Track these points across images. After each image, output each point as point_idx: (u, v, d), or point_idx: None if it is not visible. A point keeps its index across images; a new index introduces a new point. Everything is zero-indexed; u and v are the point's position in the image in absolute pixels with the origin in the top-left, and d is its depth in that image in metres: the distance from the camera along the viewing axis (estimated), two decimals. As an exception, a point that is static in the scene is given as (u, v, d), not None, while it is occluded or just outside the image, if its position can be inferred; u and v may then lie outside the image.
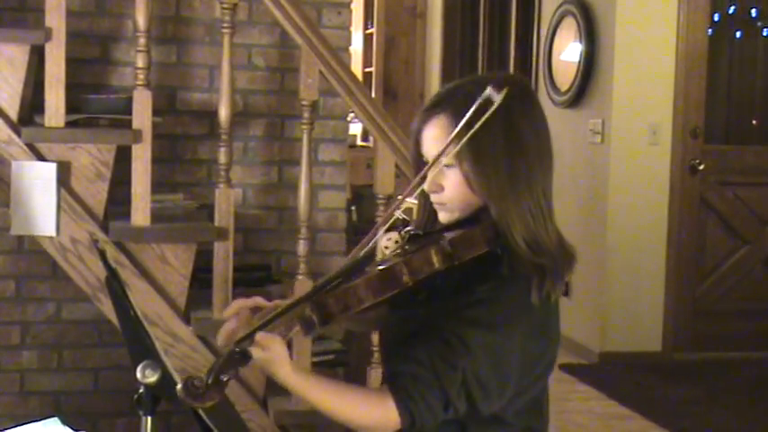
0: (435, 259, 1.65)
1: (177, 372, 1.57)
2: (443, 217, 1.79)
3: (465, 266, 1.68)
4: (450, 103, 1.74)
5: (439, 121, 1.74)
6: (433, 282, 1.72)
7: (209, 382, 1.50)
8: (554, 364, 1.83)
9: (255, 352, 1.57)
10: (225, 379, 1.53)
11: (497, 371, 1.68)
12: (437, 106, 1.76)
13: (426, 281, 1.68)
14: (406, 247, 1.73)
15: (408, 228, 1.79)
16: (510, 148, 1.70)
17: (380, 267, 1.66)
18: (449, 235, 1.71)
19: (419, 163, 1.81)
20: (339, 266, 1.70)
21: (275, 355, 1.60)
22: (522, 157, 1.71)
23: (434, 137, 1.75)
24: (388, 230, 1.79)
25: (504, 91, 1.66)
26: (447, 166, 1.73)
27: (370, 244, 1.74)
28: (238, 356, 1.56)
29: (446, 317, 1.70)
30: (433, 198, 1.78)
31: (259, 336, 1.58)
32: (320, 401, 1.66)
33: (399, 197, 1.80)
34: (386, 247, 1.75)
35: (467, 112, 1.67)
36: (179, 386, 1.50)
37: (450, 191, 1.74)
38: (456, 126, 1.68)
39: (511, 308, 1.69)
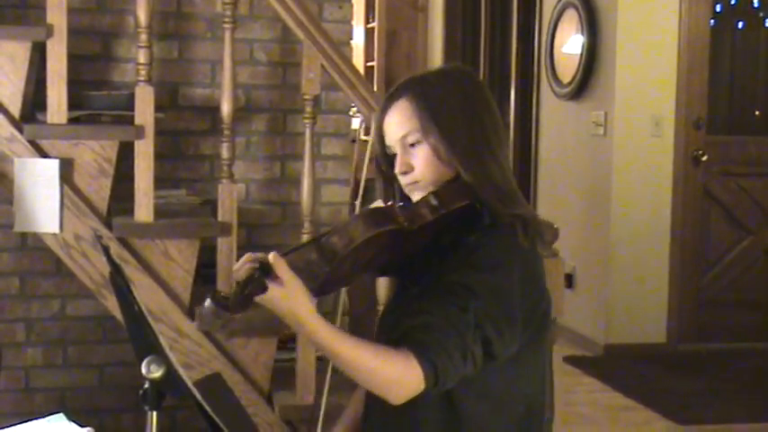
0: (425, 212, 1.73)
1: (182, 367, 1.57)
2: (418, 197, 1.83)
3: (452, 220, 1.77)
4: (405, 90, 1.85)
5: (398, 105, 1.84)
6: (429, 247, 1.80)
7: (236, 291, 1.55)
8: (550, 327, 1.88)
9: (270, 285, 1.58)
10: (248, 291, 1.55)
11: (503, 309, 1.71)
12: (393, 96, 1.86)
13: (422, 239, 1.76)
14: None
15: (394, 201, 1.89)
16: (466, 115, 1.82)
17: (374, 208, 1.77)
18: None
19: (386, 158, 1.89)
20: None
21: (291, 291, 1.59)
22: (479, 122, 1.82)
23: (397, 120, 1.84)
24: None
25: None
26: (413, 144, 1.83)
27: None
28: (259, 275, 1.58)
29: (444, 274, 1.74)
30: (406, 180, 1.84)
31: (275, 260, 1.59)
32: (343, 351, 1.62)
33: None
34: None
35: (424, 93, 1.81)
36: (207, 301, 1.54)
37: (421, 167, 1.82)
38: (416, 106, 1.81)
39: (502, 249, 1.76)
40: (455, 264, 1.75)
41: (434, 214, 1.74)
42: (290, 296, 1.59)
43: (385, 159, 1.89)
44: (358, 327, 3.55)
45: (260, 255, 1.64)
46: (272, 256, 1.61)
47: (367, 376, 1.66)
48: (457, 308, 1.67)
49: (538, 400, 1.88)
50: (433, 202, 1.75)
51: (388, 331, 1.83)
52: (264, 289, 1.58)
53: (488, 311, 1.69)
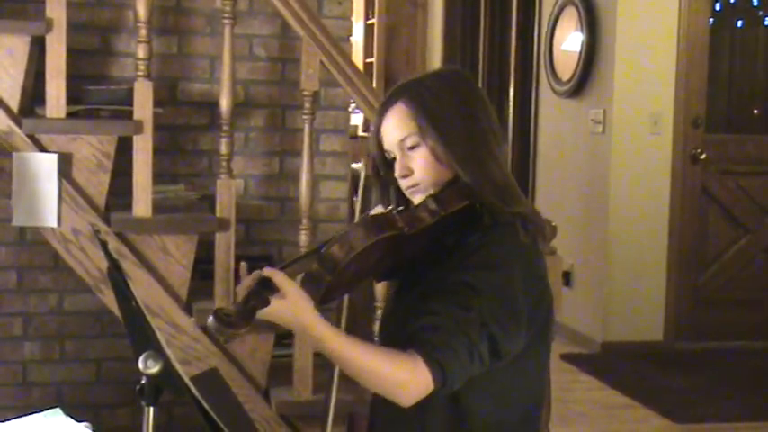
0: (424, 215, 1.75)
1: (179, 362, 1.57)
2: (418, 200, 1.84)
3: (452, 222, 1.77)
4: (401, 93, 1.86)
5: (394, 109, 1.85)
6: (430, 249, 1.81)
7: (239, 308, 1.56)
8: (552, 327, 1.88)
9: (272, 299, 1.61)
10: (252, 305, 1.57)
11: (509, 307, 1.72)
12: (389, 100, 1.87)
13: (422, 242, 1.77)
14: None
15: (394, 206, 1.89)
16: (463, 116, 1.83)
17: (374, 214, 1.79)
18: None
19: (384, 162, 1.90)
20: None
21: (294, 301, 1.62)
22: (475, 123, 1.84)
23: (394, 124, 1.85)
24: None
25: None
26: (411, 147, 1.83)
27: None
28: (261, 289, 1.60)
29: (446, 275, 1.75)
30: (406, 183, 1.85)
31: (271, 273, 1.62)
32: (349, 355, 1.64)
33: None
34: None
35: (421, 97, 1.83)
36: (210, 318, 1.55)
37: (420, 170, 1.83)
38: (413, 109, 1.82)
39: (503, 247, 1.77)
40: (457, 264, 1.76)
41: (434, 217, 1.75)
42: (293, 306, 1.62)
43: (384, 164, 1.90)
44: (355, 323, 3.55)
45: (257, 272, 1.67)
46: (267, 270, 1.63)
47: (376, 380, 1.67)
48: (461, 307, 1.68)
49: (540, 397, 1.91)
50: (432, 205, 1.77)
51: (392, 333, 1.84)
52: (266, 302, 1.60)
53: (493, 310, 1.70)
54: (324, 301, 1.71)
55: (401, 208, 1.85)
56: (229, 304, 1.60)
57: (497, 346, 1.70)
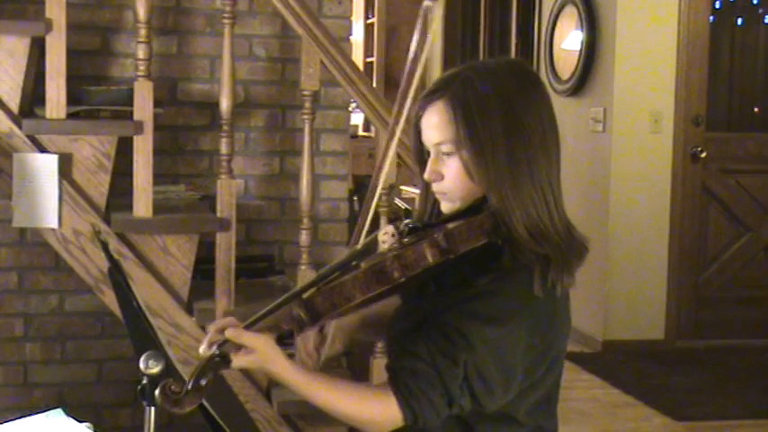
0: (429, 253, 1.60)
1: (180, 362, 1.57)
2: (445, 207, 1.75)
3: (465, 258, 1.64)
4: (447, 89, 1.69)
5: (436, 107, 1.70)
6: (439, 274, 1.68)
7: (188, 388, 1.49)
8: (563, 359, 1.78)
9: (237, 358, 1.57)
10: (204, 383, 1.51)
11: (500, 365, 1.63)
12: (435, 93, 1.71)
13: (427, 274, 1.64)
14: (405, 239, 1.67)
15: (408, 220, 1.73)
16: (508, 133, 1.64)
17: (370, 263, 1.62)
18: (446, 227, 1.66)
19: (420, 152, 1.77)
20: (336, 260, 1.68)
21: (262, 355, 1.59)
22: (522, 142, 1.65)
23: (433, 124, 1.70)
24: (390, 222, 1.76)
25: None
26: (446, 154, 1.69)
27: (367, 238, 1.73)
28: (218, 360, 1.55)
29: (447, 310, 1.65)
30: (434, 187, 1.74)
31: (236, 335, 1.57)
32: (320, 398, 1.63)
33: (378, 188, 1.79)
34: (383, 242, 1.69)
35: (465, 97, 1.65)
36: (156, 391, 1.49)
37: (450, 180, 1.70)
38: (454, 114, 1.66)
39: (512, 300, 1.64)
40: (460, 303, 1.65)
41: (440, 257, 1.60)
42: (261, 359, 1.60)
43: (419, 156, 1.78)
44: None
45: (220, 327, 1.61)
46: (228, 332, 1.58)
47: (345, 416, 1.66)
48: (448, 358, 1.61)
49: (549, 417, 1.81)
50: (443, 244, 1.60)
51: (393, 344, 1.80)
52: (227, 365, 1.56)
53: (481, 368, 1.62)
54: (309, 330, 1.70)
55: (413, 226, 1.69)
56: (185, 374, 1.51)
57: (479, 401, 1.65)
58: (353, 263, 1.65)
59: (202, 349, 1.61)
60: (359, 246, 1.73)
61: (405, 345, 1.67)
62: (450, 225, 1.65)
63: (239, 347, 1.58)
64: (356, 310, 1.70)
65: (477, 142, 1.65)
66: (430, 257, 1.60)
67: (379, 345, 3.14)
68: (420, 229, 1.69)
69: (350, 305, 1.60)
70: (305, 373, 1.65)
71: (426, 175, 1.73)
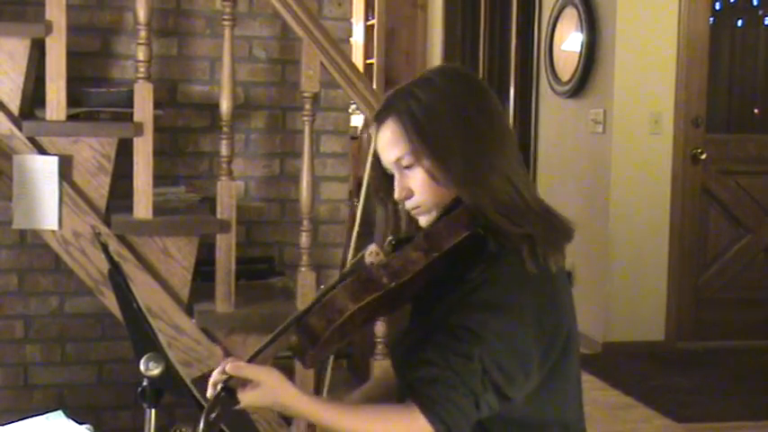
0: (414, 256, 1.62)
1: (180, 364, 1.57)
2: (424, 221, 1.75)
3: (452, 257, 1.65)
4: (391, 107, 1.73)
5: (386, 126, 1.73)
6: (435, 282, 1.69)
7: (201, 428, 1.47)
8: (576, 340, 1.76)
9: (243, 394, 1.54)
10: (213, 417, 1.48)
11: (514, 351, 1.62)
12: (381, 114, 1.75)
13: (420, 281, 1.65)
14: (393, 254, 1.69)
15: (390, 237, 1.75)
16: (459, 130, 1.69)
17: (358, 273, 1.63)
18: (425, 229, 1.69)
19: (386, 179, 1.78)
20: (325, 286, 1.67)
21: (268, 386, 1.55)
22: (474, 135, 1.69)
23: (386, 142, 1.73)
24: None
25: None
26: (407, 167, 1.72)
27: (353, 260, 1.71)
28: (224, 396, 1.52)
29: (450, 314, 1.65)
30: (407, 205, 1.75)
31: (236, 368, 1.53)
32: (341, 423, 1.59)
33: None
34: (370, 263, 1.69)
35: (410, 112, 1.69)
36: None
37: (419, 191, 1.72)
38: (403, 127, 1.69)
39: (509, 284, 1.65)
40: (459, 302, 1.65)
41: (427, 258, 1.63)
42: (269, 393, 1.56)
43: (384, 180, 1.79)
44: (355, 364, 3.56)
45: (221, 368, 1.57)
46: (229, 367, 1.54)
47: None
48: (462, 356, 1.59)
49: (574, 421, 1.79)
50: (425, 244, 1.64)
51: (400, 365, 1.78)
52: (234, 403, 1.53)
53: (495, 356, 1.60)
54: (312, 366, 1.67)
55: (395, 240, 1.71)
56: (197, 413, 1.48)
57: (503, 391, 1.62)
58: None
59: (209, 394, 1.56)
60: (346, 269, 1.73)
61: (414, 357, 1.66)
62: (429, 227, 1.68)
63: (244, 384, 1.55)
64: (356, 329, 1.67)
65: (432, 146, 1.68)
66: (415, 260, 1.62)
67: (379, 347, 3.14)
68: (404, 241, 1.71)
69: (345, 317, 1.58)
70: (320, 401, 1.62)
71: (397, 194, 1.74)
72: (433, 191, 1.71)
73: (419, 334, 1.72)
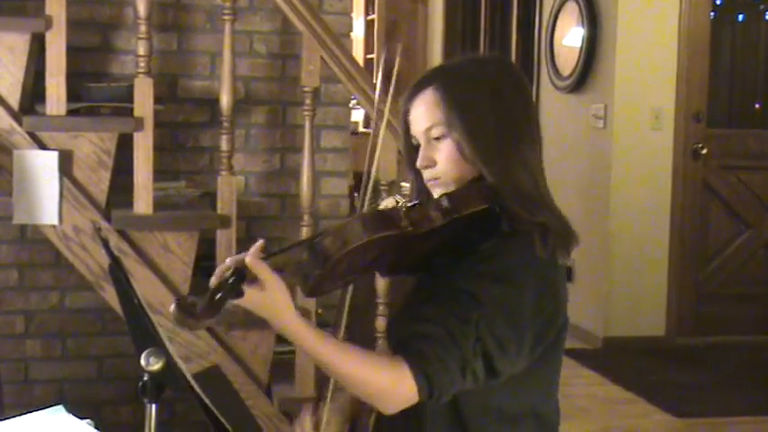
0: (434, 215, 1.64)
1: (181, 359, 1.57)
2: (438, 193, 1.75)
3: (467, 225, 1.67)
4: (435, 77, 1.76)
5: (424, 95, 1.75)
6: (445, 248, 1.70)
7: (205, 301, 1.47)
8: (565, 336, 1.78)
9: (249, 292, 1.52)
10: (218, 297, 1.48)
11: (511, 322, 1.62)
12: (421, 84, 1.77)
13: (433, 242, 1.66)
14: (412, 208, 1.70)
15: (412, 202, 1.76)
16: (496, 112, 1.71)
17: (379, 210, 1.67)
18: (446, 192, 1.71)
19: (409, 147, 1.80)
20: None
21: (273, 295, 1.54)
22: (510, 122, 1.72)
23: (421, 111, 1.75)
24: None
25: None
26: (437, 138, 1.73)
27: (369, 207, 1.73)
28: (233, 281, 1.51)
29: (456, 278, 1.67)
30: (427, 174, 1.76)
31: (255, 264, 1.53)
32: (328, 357, 1.57)
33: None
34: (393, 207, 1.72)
35: (453, 85, 1.71)
36: (172, 307, 1.47)
37: (444, 163, 1.73)
38: (442, 97, 1.71)
39: (517, 259, 1.67)
40: (466, 270, 1.67)
41: (446, 218, 1.64)
42: (270, 300, 1.54)
43: (409, 150, 1.80)
44: (357, 320, 3.54)
45: (240, 256, 1.57)
46: (248, 259, 1.54)
47: (357, 384, 1.60)
48: (459, 318, 1.60)
49: (550, 414, 1.80)
50: (446, 204, 1.66)
51: (398, 331, 1.76)
52: (239, 294, 1.52)
53: (492, 325, 1.60)
54: (313, 293, 1.64)
55: (414, 203, 1.72)
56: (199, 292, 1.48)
57: (493, 363, 1.61)
58: None
59: (218, 270, 1.56)
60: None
61: (413, 314, 1.67)
62: (450, 192, 1.71)
63: (253, 281, 1.53)
64: (362, 268, 1.68)
65: (468, 121, 1.70)
66: (434, 218, 1.64)
67: (380, 342, 3.14)
68: (420, 204, 1.73)
69: (358, 244, 1.57)
70: (315, 329, 1.59)
71: (419, 162, 1.75)
72: (457, 164, 1.72)
73: (426, 294, 1.72)
